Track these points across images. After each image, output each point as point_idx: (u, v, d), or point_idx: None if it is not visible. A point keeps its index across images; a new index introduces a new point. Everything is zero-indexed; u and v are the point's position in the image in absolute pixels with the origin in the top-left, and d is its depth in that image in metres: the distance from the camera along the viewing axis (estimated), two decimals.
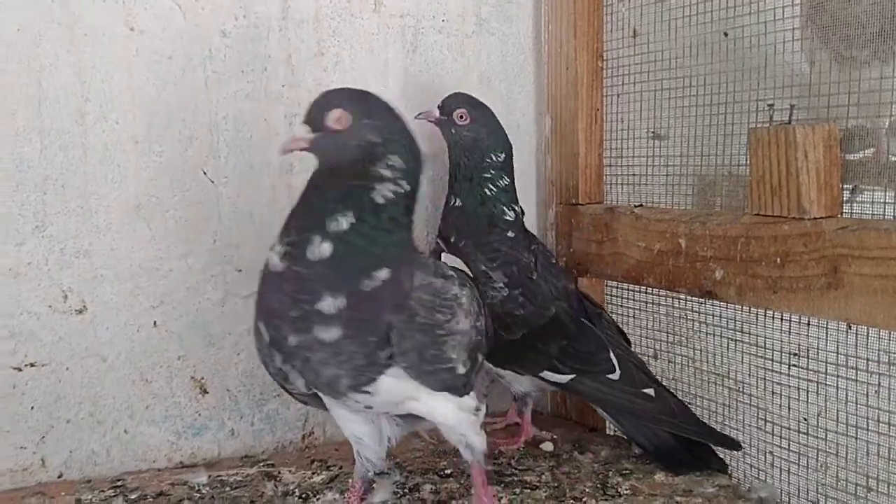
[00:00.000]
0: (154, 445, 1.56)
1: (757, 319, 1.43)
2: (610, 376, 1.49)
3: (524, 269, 1.54)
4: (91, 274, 1.49)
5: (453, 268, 1.26)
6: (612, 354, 1.50)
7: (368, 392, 1.13)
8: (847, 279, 1.18)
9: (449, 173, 1.60)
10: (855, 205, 1.31)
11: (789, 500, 1.38)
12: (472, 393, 1.23)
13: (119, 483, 1.46)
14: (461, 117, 1.56)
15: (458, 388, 1.19)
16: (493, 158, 1.57)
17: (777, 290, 1.29)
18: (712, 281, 1.40)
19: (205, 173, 1.57)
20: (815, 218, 1.23)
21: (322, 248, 1.08)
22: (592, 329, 1.54)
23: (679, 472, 1.45)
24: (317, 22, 1.65)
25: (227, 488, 1.44)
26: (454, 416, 1.21)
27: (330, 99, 1.15)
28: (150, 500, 1.39)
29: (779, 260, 1.28)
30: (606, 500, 1.37)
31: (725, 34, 1.48)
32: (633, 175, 1.69)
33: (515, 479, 1.46)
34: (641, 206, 1.63)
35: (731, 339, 1.49)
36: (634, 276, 1.59)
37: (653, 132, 1.66)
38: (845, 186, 1.27)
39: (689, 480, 1.45)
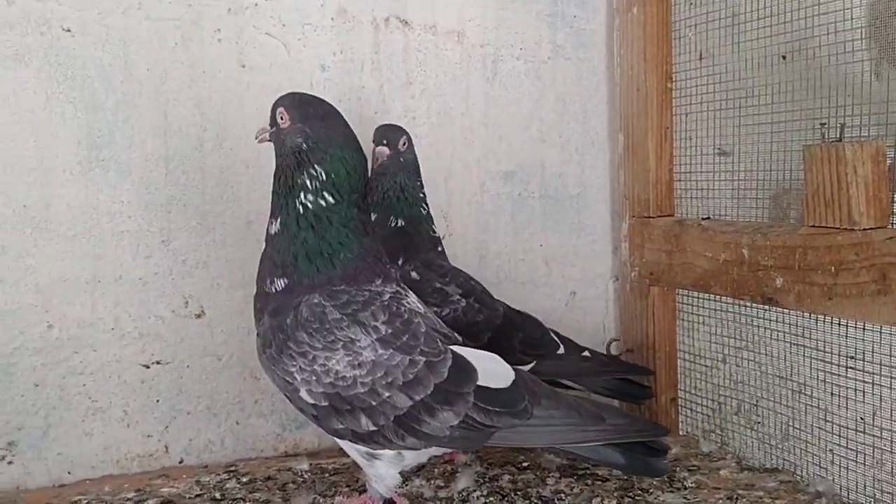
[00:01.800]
0: (262, 436, 1.74)
1: (816, 324, 1.51)
2: (558, 352, 1.67)
3: (467, 278, 1.65)
4: (209, 283, 1.69)
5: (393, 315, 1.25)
6: (551, 333, 1.68)
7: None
8: (895, 286, 1.26)
9: (384, 196, 1.61)
10: None
11: (848, 494, 1.45)
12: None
13: (232, 468, 1.64)
14: (403, 144, 1.62)
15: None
16: (421, 179, 1.66)
17: (832, 296, 1.38)
18: (773, 288, 1.49)
19: None
20: (864, 229, 1.32)
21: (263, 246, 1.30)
22: (529, 315, 1.71)
23: (632, 400, 1.79)
24: (405, 55, 1.81)
25: (327, 474, 1.60)
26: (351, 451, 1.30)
27: (282, 98, 1.30)
28: (260, 482, 1.56)
29: (833, 269, 1.37)
30: (672, 492, 1.48)
31: (783, 57, 1.57)
32: (702, 189, 1.79)
33: (588, 472, 1.58)
34: (709, 218, 1.72)
35: (793, 344, 1.57)
36: (702, 285, 1.69)
37: (719, 149, 1.75)
38: (895, 199, 1.35)
39: (751, 476, 1.54)
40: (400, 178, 1.62)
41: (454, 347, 1.27)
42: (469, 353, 1.27)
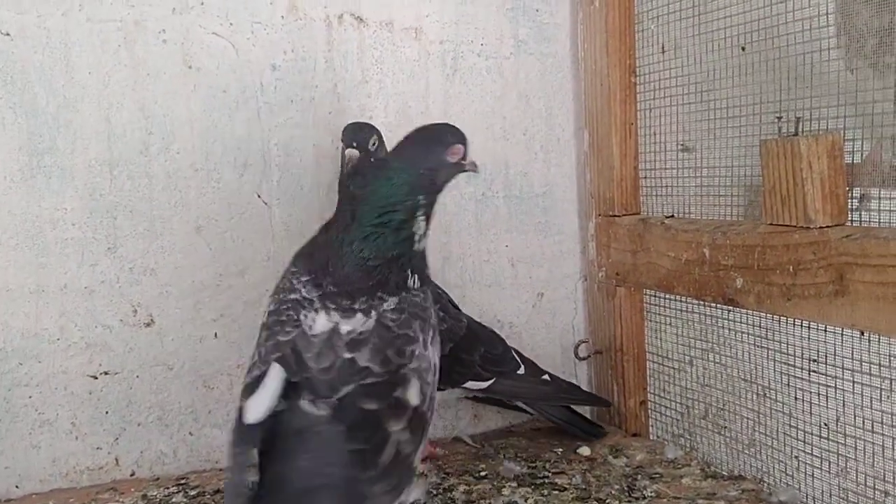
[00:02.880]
0: (217, 446, 1.69)
1: (778, 325, 1.45)
2: (519, 372, 1.63)
3: (435, 286, 1.52)
4: (157, 290, 1.65)
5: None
6: (512, 351, 1.64)
7: None
8: (852, 287, 1.21)
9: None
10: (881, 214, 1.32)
11: (813, 503, 1.40)
12: None
13: (183, 481, 1.60)
14: (374, 143, 1.54)
15: None
16: None
17: (791, 297, 1.32)
18: (734, 289, 1.44)
19: (259, 196, 1.70)
20: (821, 227, 1.26)
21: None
22: (493, 331, 1.67)
23: (583, 435, 1.73)
24: (360, 52, 1.76)
25: None
26: None
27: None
28: (209, 496, 1.52)
29: (791, 268, 1.31)
30: (630, 501, 1.43)
31: (742, 48, 1.51)
32: (667, 186, 1.73)
33: (547, 481, 1.53)
34: (672, 216, 1.67)
35: (757, 346, 1.51)
36: (666, 286, 1.63)
37: (682, 144, 1.70)
38: (853, 196, 1.29)
39: (714, 484, 1.50)
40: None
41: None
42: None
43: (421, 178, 1.13)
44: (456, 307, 1.63)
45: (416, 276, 1.15)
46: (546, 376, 1.66)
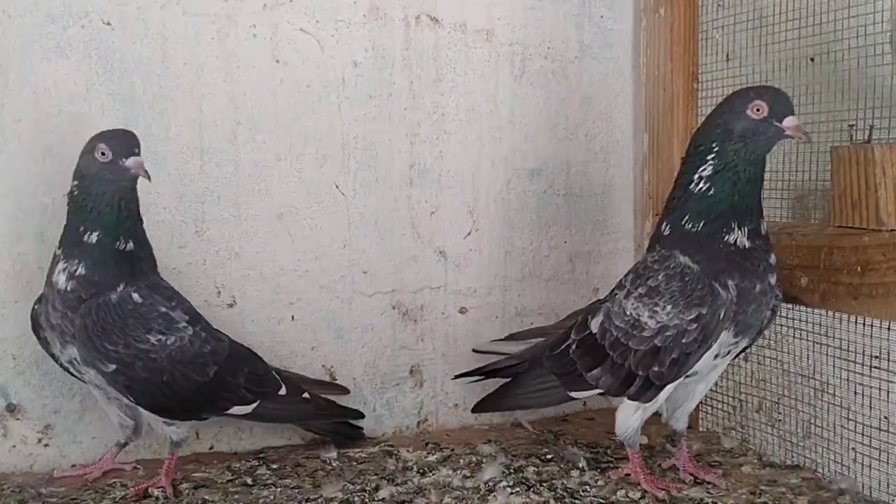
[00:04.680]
0: (291, 425, 1.76)
1: (840, 324, 1.52)
2: (280, 392, 1.56)
3: (191, 305, 1.51)
4: (240, 273, 1.72)
5: None
6: (273, 371, 1.59)
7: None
8: None
9: (123, 216, 1.43)
10: None
11: (870, 493, 1.47)
12: None
13: (262, 455, 1.67)
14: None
15: None
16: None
17: (858, 296, 1.40)
18: (798, 287, 1.51)
19: (337, 187, 1.77)
20: (892, 230, 1.34)
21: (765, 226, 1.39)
22: (250, 349, 1.60)
23: (348, 440, 1.71)
24: (436, 52, 1.84)
25: (354, 462, 1.63)
26: None
27: None
28: (289, 469, 1.59)
29: (859, 268, 1.39)
30: (695, 485, 1.50)
31: (811, 59, 1.59)
32: None
33: (611, 465, 1.60)
34: None
35: (816, 343, 1.58)
36: None
37: None
38: None
39: (774, 472, 1.57)
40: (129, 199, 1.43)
41: None
42: None
43: None
44: (212, 326, 1.52)
45: None
46: (306, 394, 1.60)
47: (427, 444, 1.75)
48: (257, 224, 1.73)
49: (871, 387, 1.48)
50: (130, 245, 1.44)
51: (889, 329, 1.43)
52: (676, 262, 1.39)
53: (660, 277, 1.39)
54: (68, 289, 1.40)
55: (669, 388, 1.42)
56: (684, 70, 1.87)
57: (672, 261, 1.39)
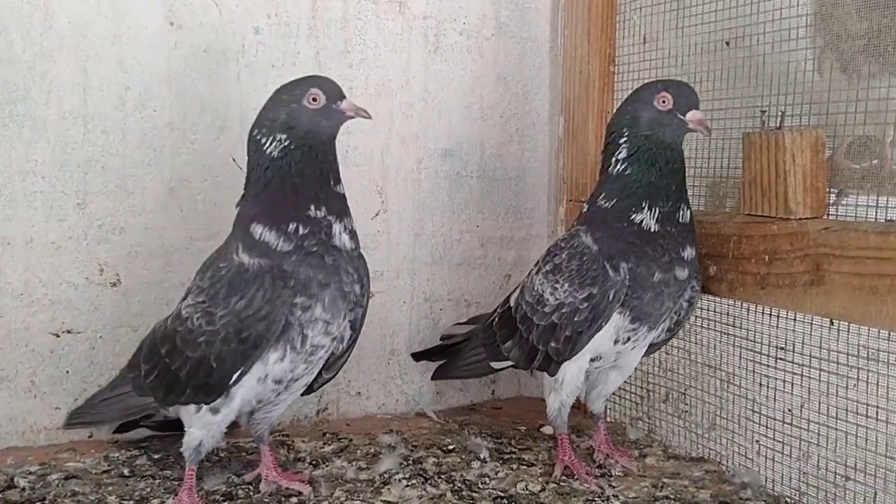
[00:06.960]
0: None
1: (747, 314, 1.50)
2: None
3: None
4: (126, 250, 1.61)
5: None
6: None
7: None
8: (828, 277, 1.25)
9: None
10: (849, 208, 1.36)
11: (773, 486, 1.45)
12: None
13: (144, 444, 1.57)
14: None
15: None
16: None
17: (765, 286, 1.36)
18: (706, 276, 1.48)
19: (234, 160, 1.67)
20: (800, 218, 1.31)
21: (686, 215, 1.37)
22: None
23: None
24: (344, 22, 1.75)
25: (244, 453, 1.55)
26: None
27: None
28: (172, 460, 1.49)
29: (767, 258, 1.36)
30: (597, 478, 1.45)
31: (727, 43, 1.55)
32: None
33: (514, 456, 1.55)
34: None
35: (723, 333, 1.56)
36: None
37: None
38: (831, 190, 1.34)
39: (679, 464, 1.54)
40: None
41: None
42: None
43: None
44: None
45: None
46: None
47: (325, 434, 1.67)
48: (145, 197, 1.61)
49: (776, 378, 1.46)
50: None
51: (795, 320, 1.41)
52: (579, 242, 1.41)
53: (563, 255, 1.42)
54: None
55: (573, 367, 1.43)
56: (601, 52, 1.82)
57: (576, 240, 1.42)
